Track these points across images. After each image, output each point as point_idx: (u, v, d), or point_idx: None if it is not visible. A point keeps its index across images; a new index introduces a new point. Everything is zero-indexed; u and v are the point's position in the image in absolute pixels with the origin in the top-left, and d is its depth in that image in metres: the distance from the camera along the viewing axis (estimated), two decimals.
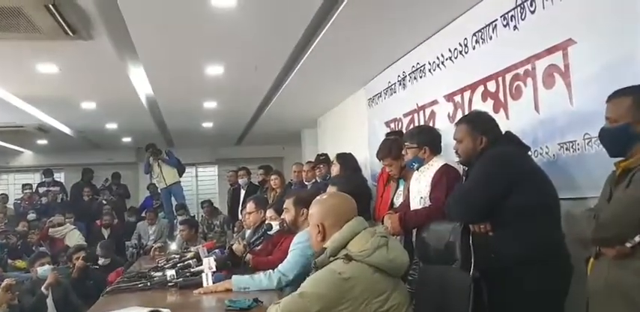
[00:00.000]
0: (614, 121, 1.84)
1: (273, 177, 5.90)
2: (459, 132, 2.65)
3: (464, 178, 2.76)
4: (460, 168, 3.20)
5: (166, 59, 4.60)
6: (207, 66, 4.85)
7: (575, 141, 2.59)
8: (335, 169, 4.46)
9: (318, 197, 2.03)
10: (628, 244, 1.68)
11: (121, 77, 5.07)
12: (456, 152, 2.68)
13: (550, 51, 2.76)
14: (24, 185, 9.15)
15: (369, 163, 5.44)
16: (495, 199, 2.34)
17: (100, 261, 5.27)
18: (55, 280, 3.97)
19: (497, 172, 2.40)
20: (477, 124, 2.60)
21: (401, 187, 3.52)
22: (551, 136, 2.74)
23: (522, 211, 2.28)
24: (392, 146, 3.45)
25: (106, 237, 7.30)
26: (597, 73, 2.43)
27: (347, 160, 4.55)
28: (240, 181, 7.01)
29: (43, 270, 4.08)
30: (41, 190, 9.11)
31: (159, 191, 9.01)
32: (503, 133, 2.62)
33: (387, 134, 4.13)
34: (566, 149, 2.63)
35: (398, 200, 3.50)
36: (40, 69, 4.68)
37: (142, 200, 9.65)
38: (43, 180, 9.42)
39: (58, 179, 9.94)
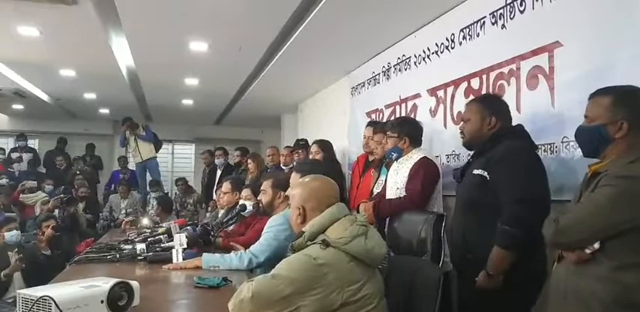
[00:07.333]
0: (592, 120, 1.80)
1: (248, 161, 5.88)
2: (468, 111, 2.51)
3: (466, 164, 2.58)
4: (438, 162, 3.25)
5: (150, 31, 4.51)
6: (192, 42, 4.77)
7: (553, 143, 2.64)
8: (318, 156, 4.46)
9: (300, 179, 2.02)
10: (587, 251, 1.65)
11: (103, 46, 4.95)
12: (461, 132, 2.56)
13: (536, 52, 2.80)
14: None
15: (347, 151, 5.46)
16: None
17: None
18: (18, 267, 3.89)
19: (539, 170, 2.27)
20: (489, 104, 2.47)
21: (382, 177, 3.52)
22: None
23: None
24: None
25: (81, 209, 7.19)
26: (581, 77, 2.47)
27: (327, 147, 4.57)
28: (216, 161, 6.98)
29: (11, 235, 4.02)
30: (14, 155, 8.93)
31: (127, 166, 8.95)
32: (515, 125, 2.49)
33: (369, 123, 4.15)
34: (544, 151, 2.67)
35: (378, 189, 3.52)
36: (21, 31, 4.55)
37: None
38: (17, 145, 9.23)
39: (31, 145, 9.76)
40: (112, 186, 8.62)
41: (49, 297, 1.46)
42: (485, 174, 2.28)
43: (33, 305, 1.47)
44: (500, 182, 2.24)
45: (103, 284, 1.62)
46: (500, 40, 3.11)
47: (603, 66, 2.36)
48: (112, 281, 1.63)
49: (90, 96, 7.96)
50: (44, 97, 7.91)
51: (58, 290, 1.56)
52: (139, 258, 2.77)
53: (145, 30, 4.48)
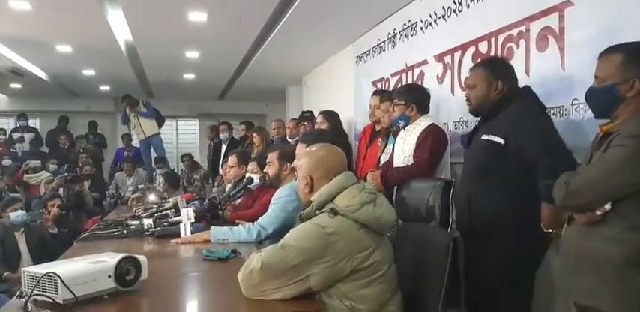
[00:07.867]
0: (602, 80, 1.74)
1: (253, 134, 5.82)
2: (473, 77, 2.44)
3: (473, 130, 2.54)
4: (447, 129, 3.18)
5: (147, 1, 4.38)
6: (190, 12, 4.64)
7: (563, 106, 2.56)
8: (324, 126, 4.40)
9: (307, 149, 1.98)
10: (598, 212, 1.63)
11: (99, 19, 4.82)
12: (467, 99, 2.50)
13: (546, 12, 2.69)
14: None
15: (353, 122, 5.39)
16: None
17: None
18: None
19: (553, 128, 2.22)
20: (495, 69, 2.40)
21: (389, 146, 3.45)
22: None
23: (524, 172, 2.18)
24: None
25: (87, 188, 7.22)
26: (592, 37, 2.37)
27: (333, 117, 4.50)
28: (221, 135, 6.94)
29: (16, 215, 4.02)
30: (15, 135, 8.91)
31: (131, 143, 8.92)
32: (522, 87, 2.43)
33: (375, 92, 4.07)
34: (554, 114, 2.59)
35: (385, 159, 3.46)
36: (12, 5, 4.42)
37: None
38: (18, 125, 9.20)
39: (33, 125, 9.72)
40: (118, 164, 8.63)
41: (54, 273, 1.44)
42: (497, 139, 2.24)
43: (38, 282, 1.45)
44: (521, 143, 2.19)
45: (110, 259, 1.60)
46: (509, 1, 3.00)
47: (614, 26, 2.26)
48: (119, 256, 1.61)
49: (89, 72, 7.87)
50: (42, 74, 7.82)
51: (64, 266, 1.54)
52: (147, 233, 2.76)
53: (141, 1, 4.35)
